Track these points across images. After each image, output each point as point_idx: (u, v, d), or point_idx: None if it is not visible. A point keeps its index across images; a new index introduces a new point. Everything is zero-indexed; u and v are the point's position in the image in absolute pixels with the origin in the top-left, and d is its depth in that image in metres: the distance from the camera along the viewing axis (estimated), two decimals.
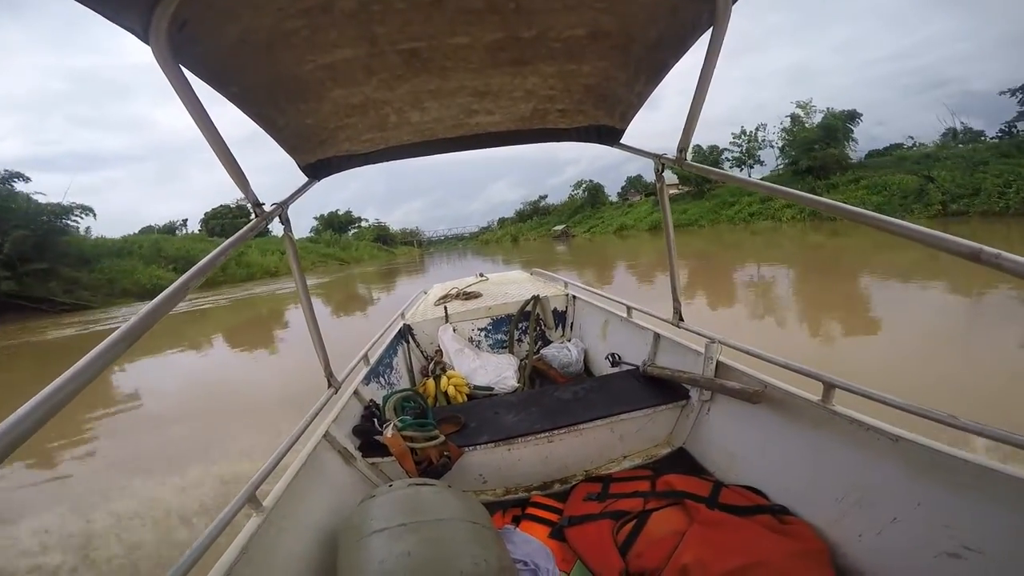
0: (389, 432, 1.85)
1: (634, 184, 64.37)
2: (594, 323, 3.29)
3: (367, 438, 1.96)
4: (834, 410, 1.48)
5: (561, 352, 3.06)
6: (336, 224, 71.76)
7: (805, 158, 34.31)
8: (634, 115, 1.82)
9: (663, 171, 1.85)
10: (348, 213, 78.18)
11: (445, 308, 3.67)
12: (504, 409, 2.13)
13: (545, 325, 3.69)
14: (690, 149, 1.59)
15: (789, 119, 38.38)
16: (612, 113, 1.81)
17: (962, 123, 34.23)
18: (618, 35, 1.33)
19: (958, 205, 21.82)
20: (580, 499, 1.75)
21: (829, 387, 1.50)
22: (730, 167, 45.24)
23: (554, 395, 2.20)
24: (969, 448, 1.23)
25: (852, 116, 35.02)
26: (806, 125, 36.54)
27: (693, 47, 1.37)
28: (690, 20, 1.26)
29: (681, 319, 2.13)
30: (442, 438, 1.88)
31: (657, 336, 2.42)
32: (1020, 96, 30.43)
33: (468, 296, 4.04)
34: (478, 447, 1.90)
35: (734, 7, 1.15)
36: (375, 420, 2.06)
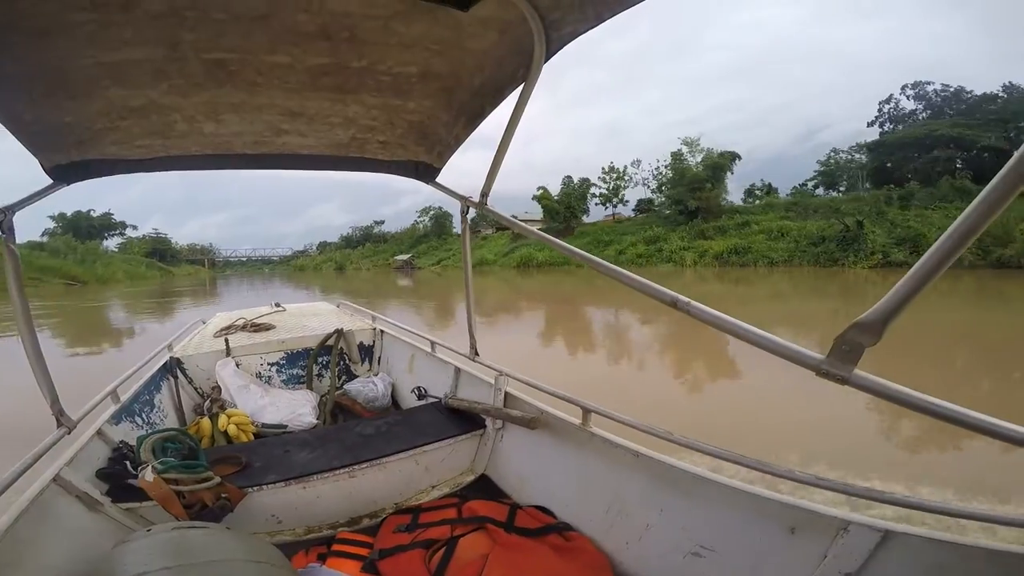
0: (148, 475, 1.72)
1: (484, 217, 66.24)
2: (402, 357, 3.47)
3: (117, 482, 1.82)
4: (592, 432, 1.82)
5: (367, 387, 3.14)
6: (84, 228, 58.22)
7: (691, 198, 35.69)
8: (451, 155, 2.03)
9: (468, 213, 2.08)
10: (107, 216, 63.24)
11: (226, 340, 3.50)
12: (297, 447, 2.13)
13: (350, 359, 3.74)
14: (490, 194, 1.82)
15: (670, 156, 40.20)
16: (431, 151, 2.00)
17: (761, 181, 42.72)
18: (447, 78, 1.51)
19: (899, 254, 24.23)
20: (390, 531, 1.83)
21: (586, 412, 1.84)
22: (596, 203, 48.97)
23: (356, 430, 2.29)
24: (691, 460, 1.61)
25: (733, 157, 37.65)
26: (691, 164, 38.12)
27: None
28: (509, 73, 1.45)
29: (476, 353, 2.37)
30: (217, 480, 1.80)
31: (458, 370, 2.68)
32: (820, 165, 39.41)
33: (257, 328, 3.91)
34: (265, 487, 1.86)
35: (545, 66, 1.35)
36: (128, 463, 1.89)
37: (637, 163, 50.79)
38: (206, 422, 2.59)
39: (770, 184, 42.54)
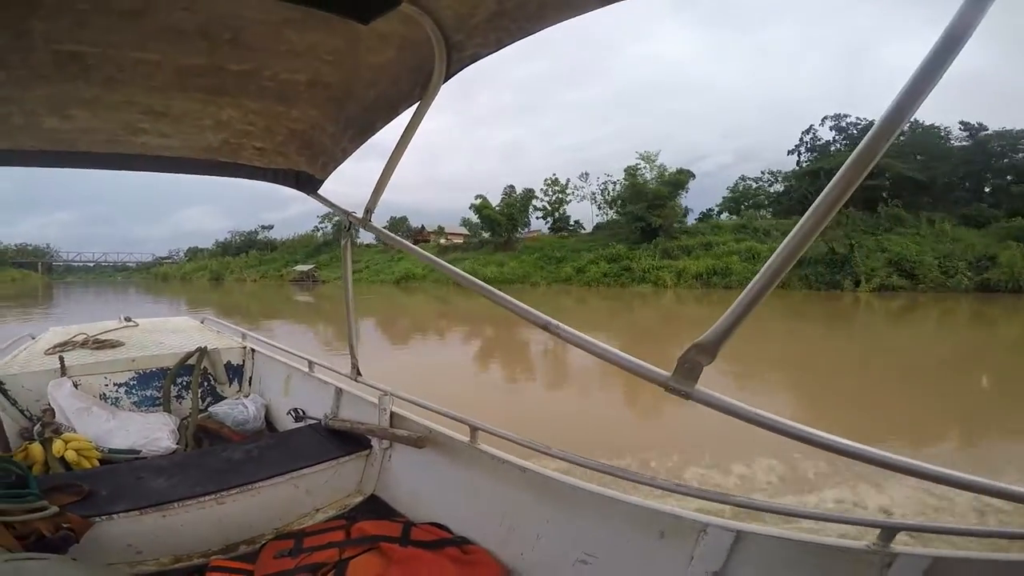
0: None
1: (399, 226, 62.61)
2: (276, 378, 3.42)
3: None
4: (480, 449, 1.94)
5: (236, 409, 3.04)
6: None
7: (651, 216, 35.32)
8: (335, 167, 2.04)
9: (350, 228, 2.09)
10: None
11: (61, 358, 3.17)
12: (152, 473, 2.04)
13: (216, 380, 3.58)
14: (375, 210, 1.89)
15: (624, 172, 39.96)
16: (314, 162, 2.01)
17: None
18: (337, 88, 1.52)
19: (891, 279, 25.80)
20: (271, 557, 1.81)
21: (474, 429, 1.95)
22: (538, 216, 48.19)
23: (222, 455, 2.24)
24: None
25: (689, 176, 38.13)
26: (644, 180, 38.11)
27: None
28: (406, 90, 1.48)
29: (359, 373, 2.42)
30: (54, 509, 1.70)
31: (339, 390, 2.70)
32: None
33: (101, 344, 3.57)
34: (116, 516, 1.78)
35: (454, 83, 1.40)
36: None
37: (585, 176, 49.93)
38: (36, 447, 2.35)
39: (688, 209, 44.13)
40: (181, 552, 1.89)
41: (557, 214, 48.74)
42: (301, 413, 2.88)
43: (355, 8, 1.14)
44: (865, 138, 0.77)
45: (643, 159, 40.09)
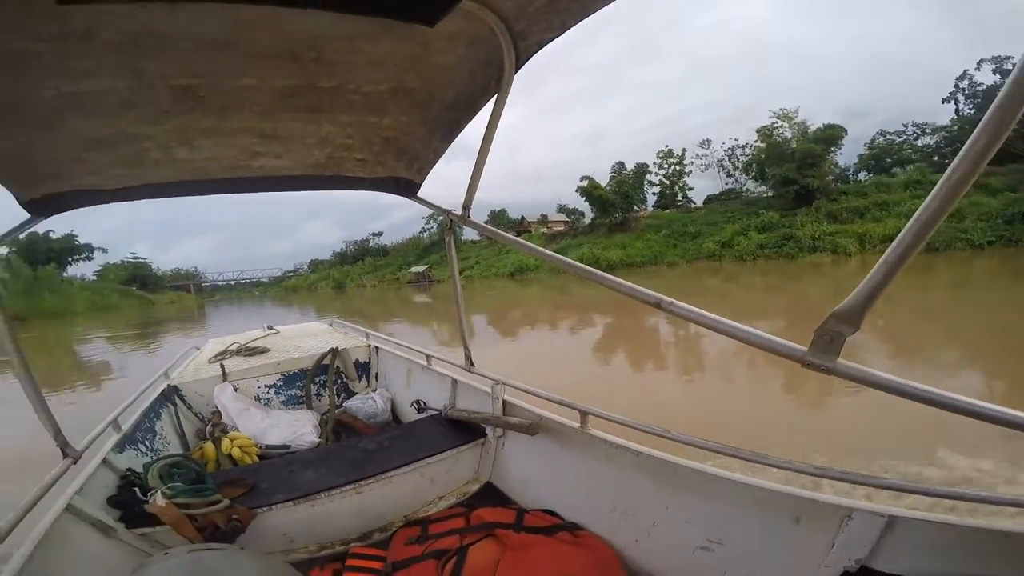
0: (159, 500, 1.86)
1: (499, 219, 63.75)
2: (399, 372, 3.67)
3: (130, 508, 1.93)
4: (591, 434, 1.96)
5: (366, 403, 3.32)
6: (41, 253, 50.69)
7: (804, 177, 32.21)
8: (430, 169, 2.14)
9: (451, 226, 2.20)
10: (69, 238, 56.07)
11: (222, 366, 3.67)
12: (302, 466, 2.28)
13: (347, 377, 3.94)
14: (472, 205, 1.95)
15: (756, 133, 37.12)
16: (410, 166, 2.11)
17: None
18: (418, 93, 1.60)
19: None
20: (401, 544, 1.95)
21: (584, 414, 1.98)
22: (654, 192, 45.53)
23: (359, 446, 2.44)
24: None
25: (840, 131, 34.33)
26: (784, 139, 35.35)
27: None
28: (481, 84, 1.54)
29: (472, 364, 2.52)
30: (226, 502, 1.93)
31: (455, 382, 2.85)
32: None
33: (252, 352, 4.12)
34: (274, 507, 1.99)
35: (516, 76, 1.44)
36: (137, 490, 2.02)
37: (707, 143, 46.28)
38: (209, 446, 2.75)
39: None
40: (325, 540, 2.08)
41: (677, 187, 45.26)
42: (423, 404, 3.08)
43: (418, 12, 1.19)
44: (1011, 76, 0.70)
45: (780, 117, 36.53)
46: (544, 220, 60.88)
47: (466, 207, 1.96)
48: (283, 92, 1.47)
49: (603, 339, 11.13)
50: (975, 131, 0.73)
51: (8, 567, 1.36)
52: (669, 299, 1.29)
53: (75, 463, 1.87)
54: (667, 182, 45.49)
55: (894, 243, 0.86)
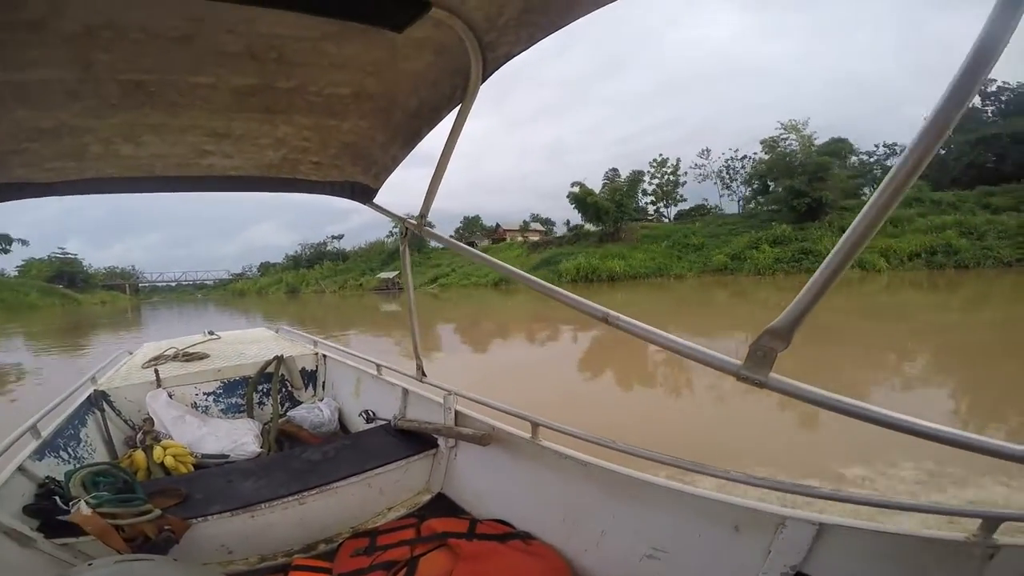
0: (83, 509, 1.79)
1: (473, 225, 63.27)
2: (347, 381, 3.65)
3: (47, 517, 1.87)
4: (541, 445, 2.00)
5: (312, 412, 3.28)
6: None
7: (815, 190, 31.76)
8: (387, 176, 2.15)
9: (407, 234, 2.22)
10: None
11: (156, 371, 3.54)
12: (241, 476, 2.24)
13: (293, 386, 3.88)
14: (430, 214, 1.99)
15: (761, 145, 36.82)
16: (367, 172, 2.11)
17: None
18: (381, 98, 1.60)
19: None
20: (348, 555, 1.94)
21: (535, 425, 2.02)
22: (648, 201, 45.22)
23: (302, 456, 2.41)
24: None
25: (847, 145, 34.67)
26: (791, 151, 35.10)
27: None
28: (446, 93, 1.54)
29: (424, 374, 2.55)
30: (157, 512, 1.89)
31: (405, 391, 2.85)
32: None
33: (190, 357, 3.98)
34: (210, 517, 1.95)
35: (482, 87, 1.45)
36: (57, 498, 1.95)
37: (706, 153, 46.11)
38: (140, 455, 2.63)
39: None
40: (267, 551, 2.05)
41: (672, 197, 44.92)
42: (372, 414, 3.06)
43: (387, 17, 1.19)
44: (934, 109, 0.76)
45: (787, 129, 36.71)
46: (526, 227, 61.06)
47: (423, 216, 1.98)
48: (239, 91, 1.45)
49: (583, 353, 11.04)
50: (896, 163, 0.81)
51: None
52: (616, 314, 1.36)
53: None
54: (660, 191, 45.48)
55: (822, 266, 0.92)
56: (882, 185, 0.82)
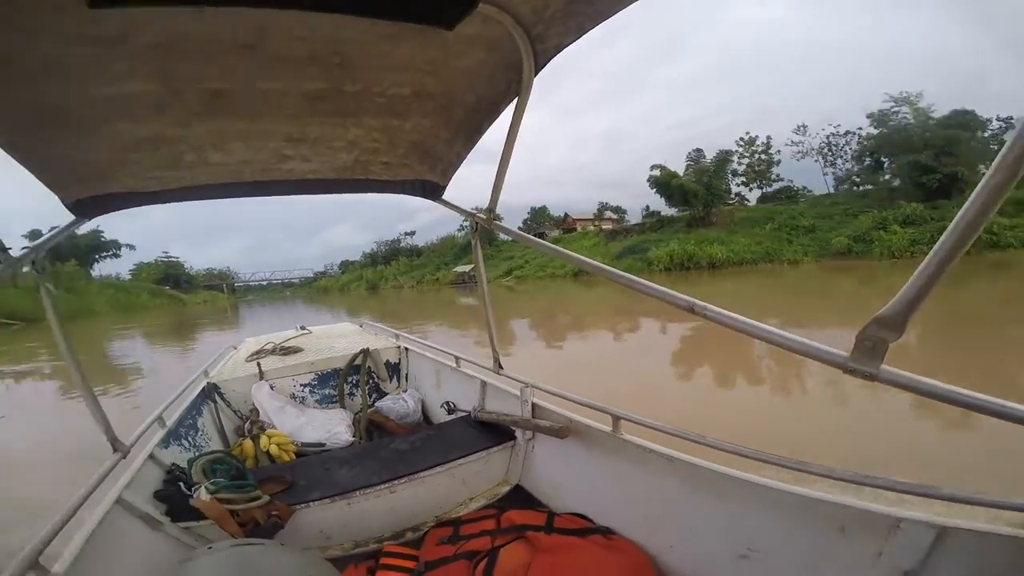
0: (202, 495, 1.96)
1: (541, 216, 62.77)
2: (428, 373, 3.79)
3: (174, 502, 2.03)
4: (623, 438, 1.97)
5: (397, 404, 3.43)
6: (66, 250, 47.77)
7: (944, 165, 28.95)
8: (454, 172, 2.18)
9: (477, 229, 2.26)
10: (96, 233, 55.11)
11: (259, 364, 3.83)
12: (337, 464, 2.37)
13: (379, 378, 4.08)
14: (497, 208, 2.00)
15: (868, 119, 34.32)
16: (435, 169, 2.16)
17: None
18: (441, 96, 1.65)
19: None
20: (433, 544, 2.01)
21: (616, 419, 1.99)
22: (739, 182, 42.16)
23: (391, 446, 2.52)
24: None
25: (975, 118, 31.45)
26: (903, 124, 32.86)
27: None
28: (502, 87, 1.57)
29: (500, 367, 2.60)
30: (266, 498, 2.02)
31: (484, 384, 2.92)
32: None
33: (287, 351, 4.28)
34: (312, 504, 2.08)
35: (545, 78, 1.46)
36: (181, 484, 2.13)
37: (802, 129, 41.88)
38: (248, 443, 2.87)
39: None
40: (360, 537, 2.16)
41: (768, 177, 41.74)
42: (452, 406, 3.17)
43: (436, 15, 1.22)
44: None
45: (898, 101, 33.93)
46: (600, 215, 59.53)
47: (491, 210, 2.01)
48: (309, 96, 1.52)
49: (670, 348, 10.04)
50: (1013, 134, 0.73)
51: (63, 557, 1.43)
52: (703, 303, 1.31)
53: (124, 458, 1.99)
54: (752, 171, 42.24)
55: (935, 248, 0.86)
56: (990, 170, 0.75)
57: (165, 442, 2.48)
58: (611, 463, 2.03)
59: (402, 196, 2.31)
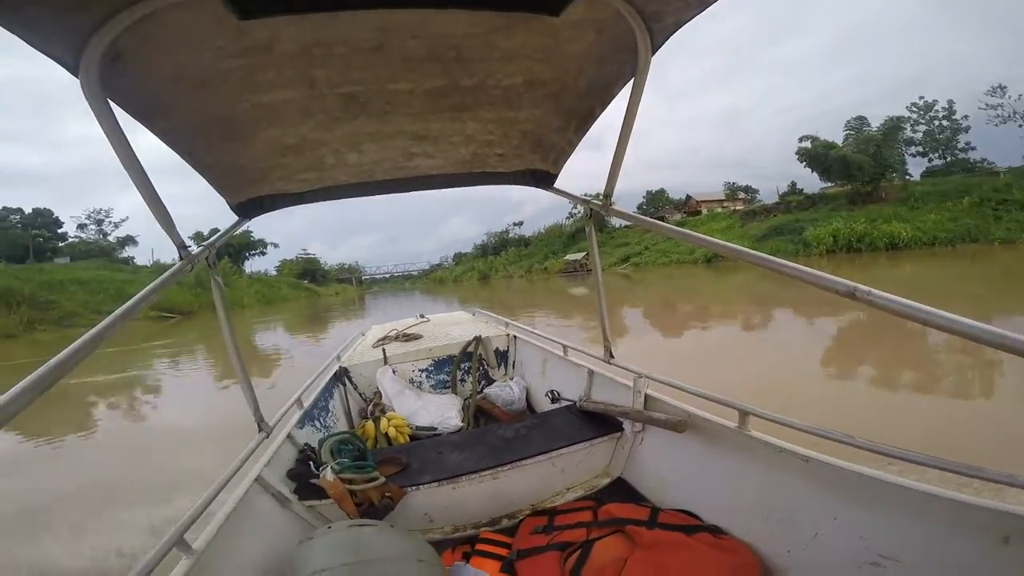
0: (327, 475, 2.09)
1: (659, 199, 60.88)
2: (534, 362, 3.84)
3: (303, 481, 2.18)
4: (750, 435, 1.84)
5: (504, 391, 3.51)
6: (221, 249, 53.18)
7: None
8: (565, 160, 2.19)
9: (591, 216, 2.23)
10: (247, 232, 59.74)
11: (384, 350, 4.11)
12: (447, 448, 2.44)
13: (488, 365, 4.19)
14: (614, 194, 1.96)
15: None
16: (546, 158, 2.18)
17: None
18: (552, 84, 1.66)
19: None
20: (527, 532, 2.02)
21: (744, 414, 1.87)
22: (915, 152, 37.75)
23: (497, 433, 2.56)
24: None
25: None
26: None
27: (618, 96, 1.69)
28: (615, 71, 1.56)
29: (611, 356, 2.56)
30: (382, 479, 2.12)
31: (591, 373, 2.88)
32: None
33: (408, 338, 4.57)
34: (421, 487, 2.15)
35: (653, 59, 1.43)
36: (311, 463, 2.28)
37: (999, 90, 35.65)
38: (370, 425, 3.09)
39: None
40: (459, 522, 2.21)
41: (953, 145, 36.08)
42: (556, 395, 3.18)
43: (542, 2, 1.23)
44: None
45: None
46: (732, 195, 55.96)
47: (607, 196, 1.96)
48: (431, 93, 1.58)
49: (833, 345, 8.62)
50: None
51: (204, 533, 1.53)
52: (866, 288, 1.16)
53: (267, 437, 2.15)
54: (931, 140, 36.74)
55: None
56: None
57: (301, 423, 2.68)
58: (732, 460, 1.92)
59: (508, 189, 2.36)
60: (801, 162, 36.73)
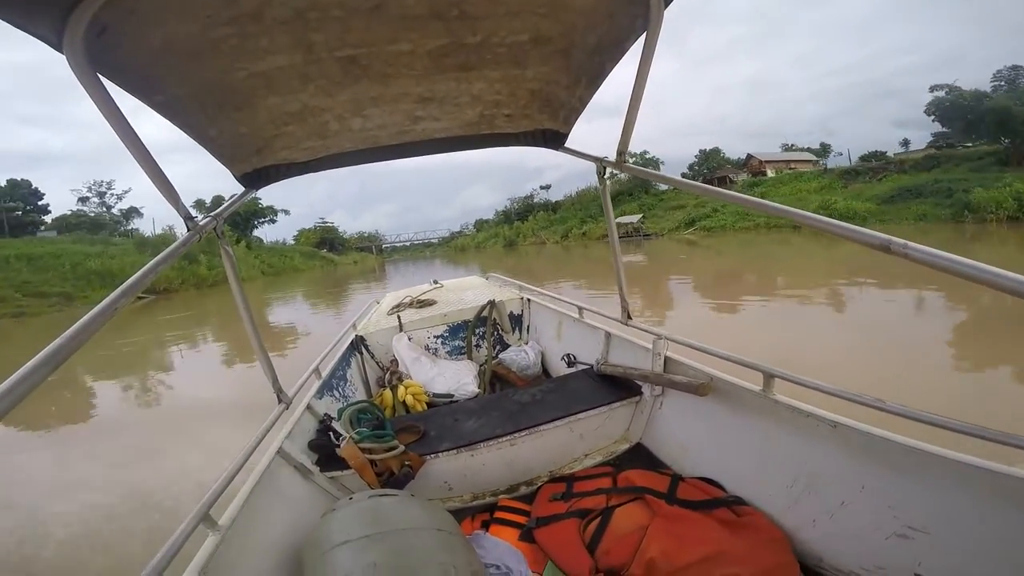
0: (346, 445, 2.10)
1: (711, 158, 57.77)
2: (549, 325, 3.79)
3: (324, 452, 2.19)
4: (775, 399, 1.79)
5: (519, 355, 3.53)
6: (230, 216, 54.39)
7: None
8: (576, 119, 2.11)
9: (605, 174, 2.17)
10: (253, 201, 55.81)
11: (398, 317, 4.11)
12: (465, 415, 2.44)
13: (502, 329, 4.18)
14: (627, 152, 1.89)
15: None
16: (556, 117, 2.10)
17: None
18: (559, 40, 1.59)
19: None
20: (546, 500, 2.02)
21: (769, 377, 1.81)
22: None
23: (514, 398, 2.53)
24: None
25: None
26: None
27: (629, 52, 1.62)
28: (626, 25, 1.49)
29: (629, 317, 2.50)
30: (401, 448, 2.13)
31: (608, 335, 2.84)
32: None
33: (422, 304, 4.51)
34: (440, 455, 2.16)
35: (666, 12, 1.37)
36: (331, 434, 2.28)
37: None
38: (388, 393, 3.12)
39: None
40: (477, 490, 2.22)
41: None
42: (573, 358, 3.16)
43: None
44: None
45: None
46: (825, 151, 53.60)
47: (621, 153, 1.90)
48: (434, 54, 1.53)
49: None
50: None
51: (229, 509, 1.54)
52: (901, 241, 1.11)
53: (287, 408, 2.16)
54: None
55: None
56: None
57: (320, 393, 2.69)
58: (756, 425, 1.87)
59: (525, 156, 2.32)
60: (930, 117, 32.75)
